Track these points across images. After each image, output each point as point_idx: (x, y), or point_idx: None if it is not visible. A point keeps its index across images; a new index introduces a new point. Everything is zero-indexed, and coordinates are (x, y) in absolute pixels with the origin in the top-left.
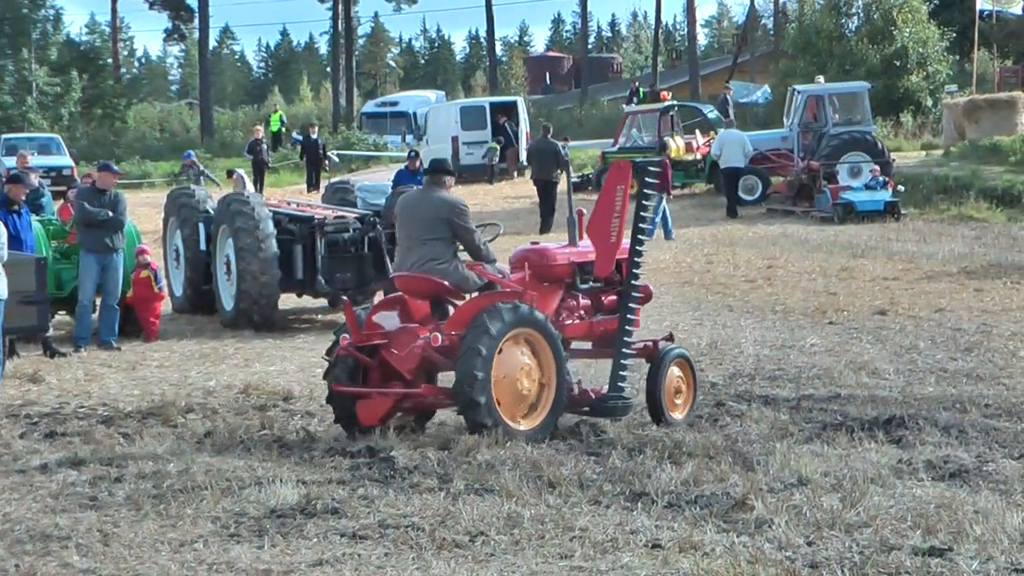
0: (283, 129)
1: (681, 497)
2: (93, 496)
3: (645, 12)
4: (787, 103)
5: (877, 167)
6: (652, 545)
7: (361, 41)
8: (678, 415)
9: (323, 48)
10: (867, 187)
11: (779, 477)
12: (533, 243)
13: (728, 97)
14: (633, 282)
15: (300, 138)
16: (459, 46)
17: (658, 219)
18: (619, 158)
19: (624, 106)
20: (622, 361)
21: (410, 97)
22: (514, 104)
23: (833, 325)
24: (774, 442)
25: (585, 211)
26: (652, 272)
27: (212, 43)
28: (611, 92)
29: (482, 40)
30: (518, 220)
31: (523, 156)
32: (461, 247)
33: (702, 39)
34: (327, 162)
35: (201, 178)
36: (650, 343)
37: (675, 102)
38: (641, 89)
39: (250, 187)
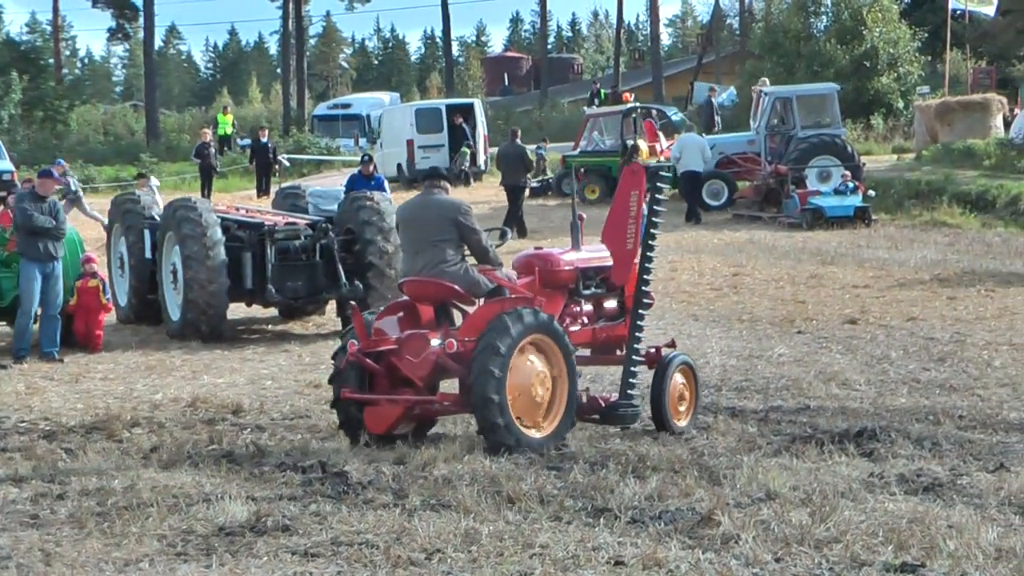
0: (232, 131)
1: (645, 513)
2: (34, 514)
3: (607, 11)
4: (754, 105)
5: (847, 171)
6: (615, 562)
7: (312, 41)
8: (682, 422)
9: (273, 48)
10: (836, 192)
11: (746, 491)
12: (536, 248)
13: (713, 100)
14: (644, 288)
15: (249, 142)
16: (414, 46)
17: None
18: (580, 162)
19: (585, 108)
20: (632, 368)
21: (363, 99)
22: (471, 106)
23: (802, 334)
24: (741, 455)
25: (584, 216)
26: None
27: (158, 43)
28: (572, 94)
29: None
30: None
31: (481, 160)
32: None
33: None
34: (277, 166)
35: (69, 195)
36: (652, 350)
37: (638, 104)
38: (603, 91)
39: (159, 198)
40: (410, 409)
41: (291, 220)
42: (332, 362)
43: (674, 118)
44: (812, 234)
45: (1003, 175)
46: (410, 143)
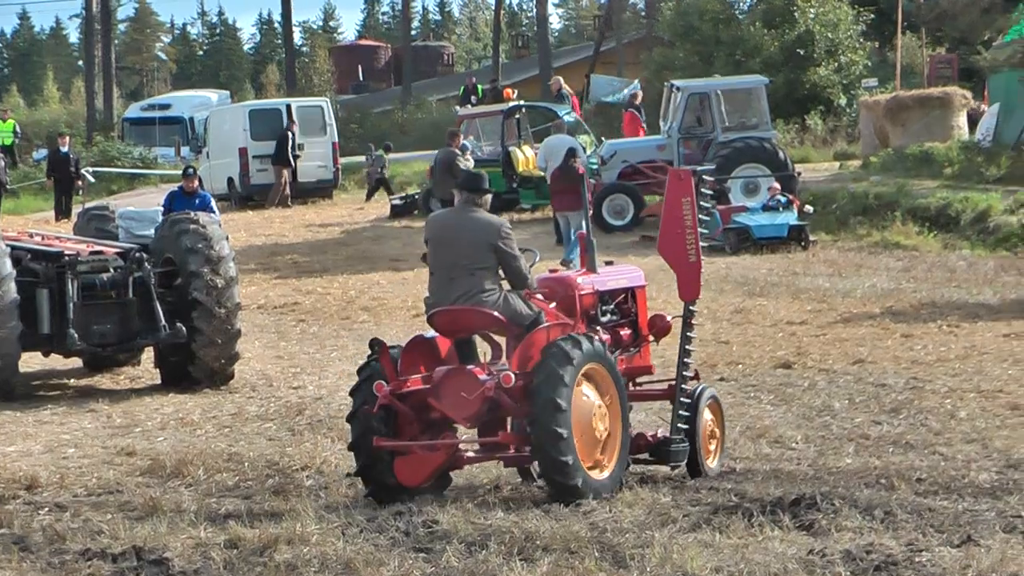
0: (16, 141)
1: None
2: None
3: None
4: (664, 103)
5: (778, 182)
6: None
7: (122, 27)
8: (713, 463)
9: (73, 36)
10: (766, 208)
11: (659, 574)
12: (552, 271)
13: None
14: (691, 308)
15: (45, 152)
16: (247, 33)
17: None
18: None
19: (458, 108)
20: (682, 399)
21: (185, 98)
22: (319, 108)
23: (725, 382)
24: (652, 531)
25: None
26: None
27: None
28: (441, 90)
29: (276, 26)
30: (324, 254)
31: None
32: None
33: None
34: (80, 182)
35: None
36: (673, 383)
37: (522, 102)
38: (480, 86)
39: None
40: (453, 455)
41: (97, 249)
42: (350, 397)
43: (566, 118)
44: (737, 259)
45: (968, 185)
46: (243, 152)
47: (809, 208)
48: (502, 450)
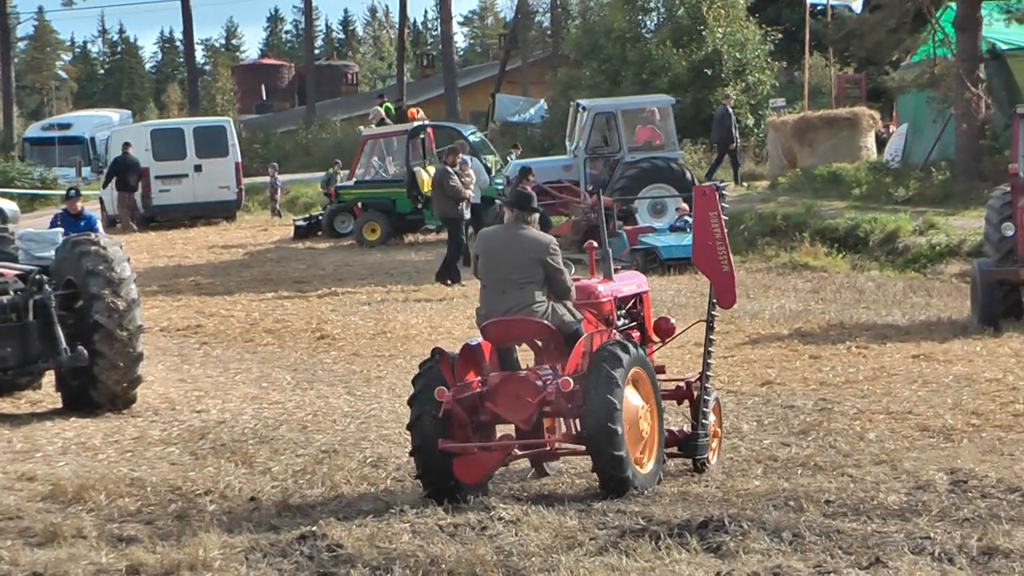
0: None
1: None
2: None
3: (387, 7)
4: (570, 122)
5: (685, 203)
6: None
7: (22, 45)
8: (714, 459)
9: None
10: (673, 229)
11: None
12: (574, 279)
13: (729, 110)
14: (713, 313)
15: None
16: (149, 52)
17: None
18: (356, 195)
19: (361, 128)
20: (706, 397)
21: (87, 118)
22: (221, 128)
23: None
24: (559, 554)
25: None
26: (400, 339)
27: None
28: (346, 109)
29: (178, 44)
30: (227, 275)
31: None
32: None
33: (460, 42)
34: None
35: None
36: (683, 384)
37: (427, 122)
38: (388, 105)
39: None
40: (508, 455)
41: None
42: (409, 407)
43: (472, 138)
44: None
45: (876, 206)
46: (145, 172)
47: None
48: (551, 448)
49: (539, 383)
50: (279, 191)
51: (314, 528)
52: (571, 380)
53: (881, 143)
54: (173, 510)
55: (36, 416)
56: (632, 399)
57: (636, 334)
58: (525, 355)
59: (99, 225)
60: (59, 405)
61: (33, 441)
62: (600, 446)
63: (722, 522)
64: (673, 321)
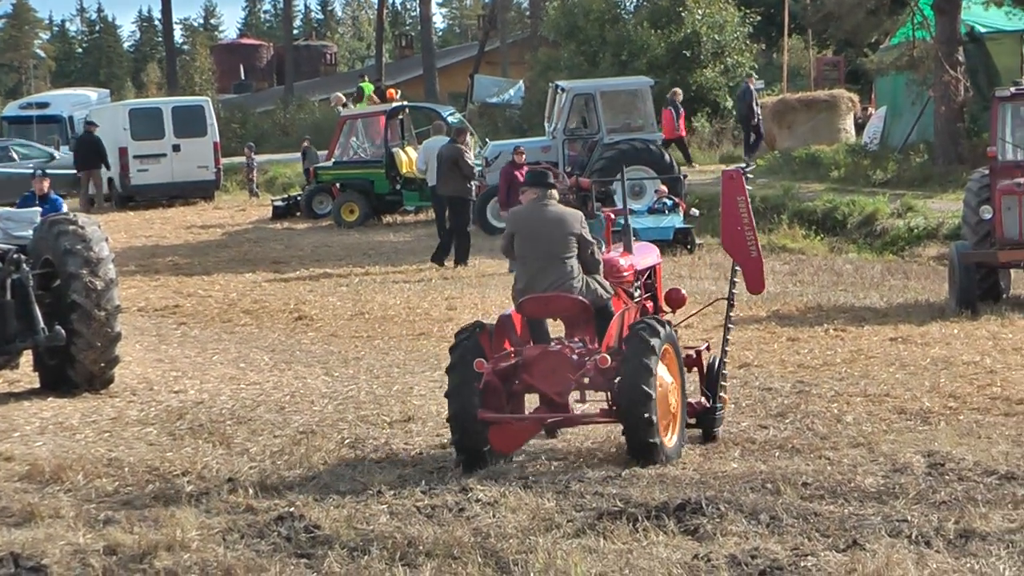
0: None
1: None
2: None
3: None
4: (549, 103)
5: (664, 185)
6: None
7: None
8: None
9: None
10: (652, 211)
11: None
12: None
13: (751, 88)
14: (732, 291)
15: None
16: (127, 31)
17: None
18: (334, 176)
19: (340, 108)
20: (724, 371)
21: (64, 96)
22: (200, 108)
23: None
24: (536, 536)
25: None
26: (378, 320)
27: None
28: (324, 90)
29: (156, 23)
30: (205, 256)
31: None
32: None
33: (439, 22)
34: None
35: None
36: (692, 353)
37: (405, 103)
38: (368, 84)
39: None
40: (542, 426)
41: None
42: (446, 376)
43: (450, 119)
44: None
45: (855, 189)
46: (123, 152)
47: (695, 211)
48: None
49: (576, 358)
50: (255, 171)
51: (291, 509)
52: (608, 357)
53: (859, 126)
54: (151, 491)
55: (13, 396)
56: (663, 374)
57: (649, 304)
58: (553, 324)
59: (64, 207)
60: (37, 385)
61: (10, 421)
62: (632, 408)
63: (699, 504)
64: (684, 292)
